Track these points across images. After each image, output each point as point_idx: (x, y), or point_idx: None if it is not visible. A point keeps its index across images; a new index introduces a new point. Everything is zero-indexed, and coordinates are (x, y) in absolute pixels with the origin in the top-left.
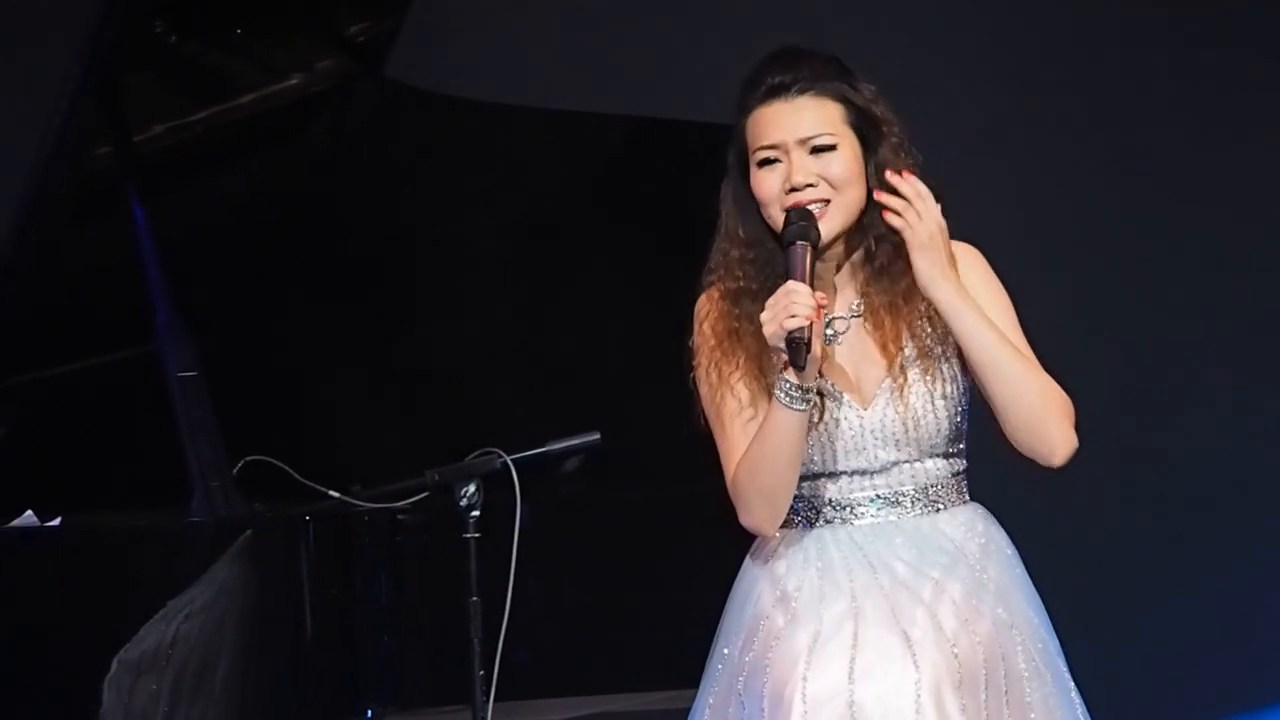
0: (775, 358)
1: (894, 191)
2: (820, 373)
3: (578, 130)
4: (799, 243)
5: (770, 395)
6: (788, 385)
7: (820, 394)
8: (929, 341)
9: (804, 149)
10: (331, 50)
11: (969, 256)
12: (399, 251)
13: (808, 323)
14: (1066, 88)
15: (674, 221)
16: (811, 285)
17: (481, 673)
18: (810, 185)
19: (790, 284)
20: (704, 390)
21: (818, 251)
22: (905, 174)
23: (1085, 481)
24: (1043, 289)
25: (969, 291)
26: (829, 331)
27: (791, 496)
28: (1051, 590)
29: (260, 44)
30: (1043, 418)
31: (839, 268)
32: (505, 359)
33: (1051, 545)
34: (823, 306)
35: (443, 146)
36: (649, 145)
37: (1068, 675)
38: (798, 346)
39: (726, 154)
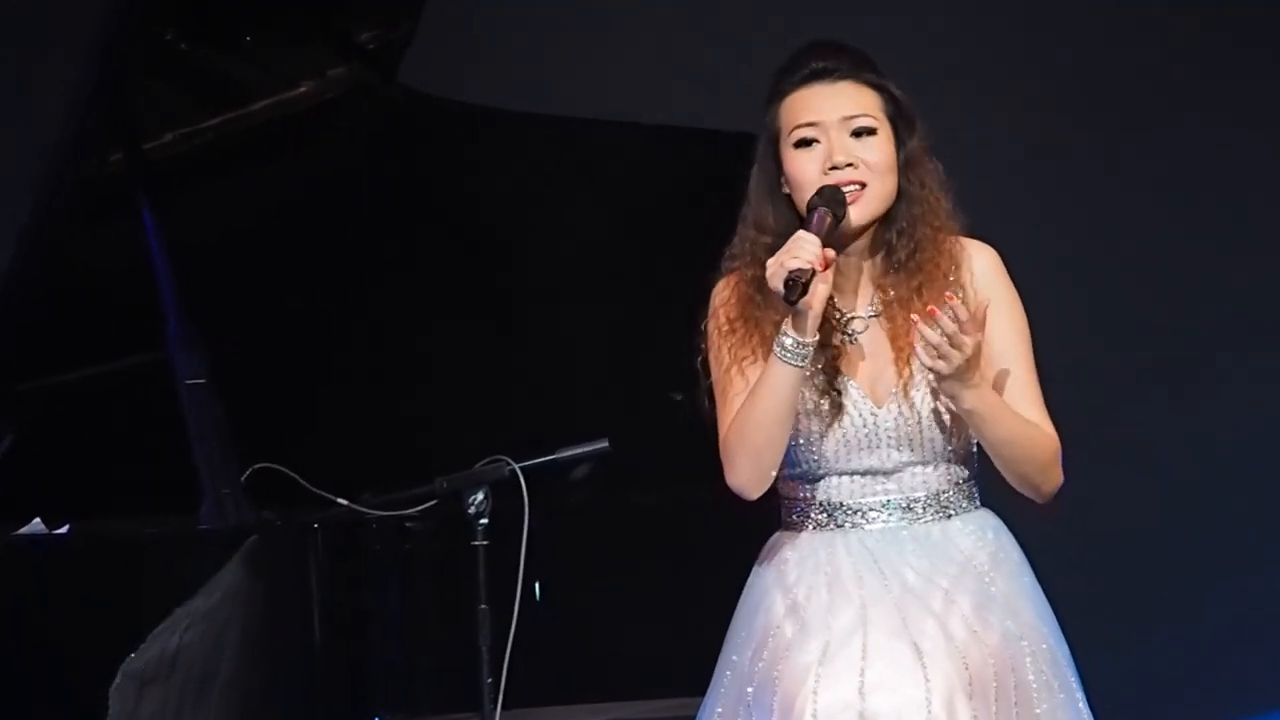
0: (775, 304)
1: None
2: (839, 369)
3: (591, 137)
4: (821, 208)
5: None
6: (786, 339)
7: (837, 391)
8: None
9: (845, 129)
10: (343, 57)
11: (986, 258)
12: (409, 259)
13: (809, 266)
14: (1074, 84)
15: (685, 230)
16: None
17: (490, 680)
18: (850, 165)
19: (800, 232)
20: (714, 371)
21: (838, 225)
22: (948, 299)
23: (1097, 488)
24: (1058, 294)
25: (984, 294)
26: (848, 330)
27: (779, 459)
28: (1062, 597)
29: (271, 51)
30: (1038, 472)
31: (861, 266)
32: (515, 366)
33: (1063, 551)
34: (830, 262)
35: (455, 154)
36: (663, 153)
37: (1075, 686)
38: (794, 285)
39: (737, 163)
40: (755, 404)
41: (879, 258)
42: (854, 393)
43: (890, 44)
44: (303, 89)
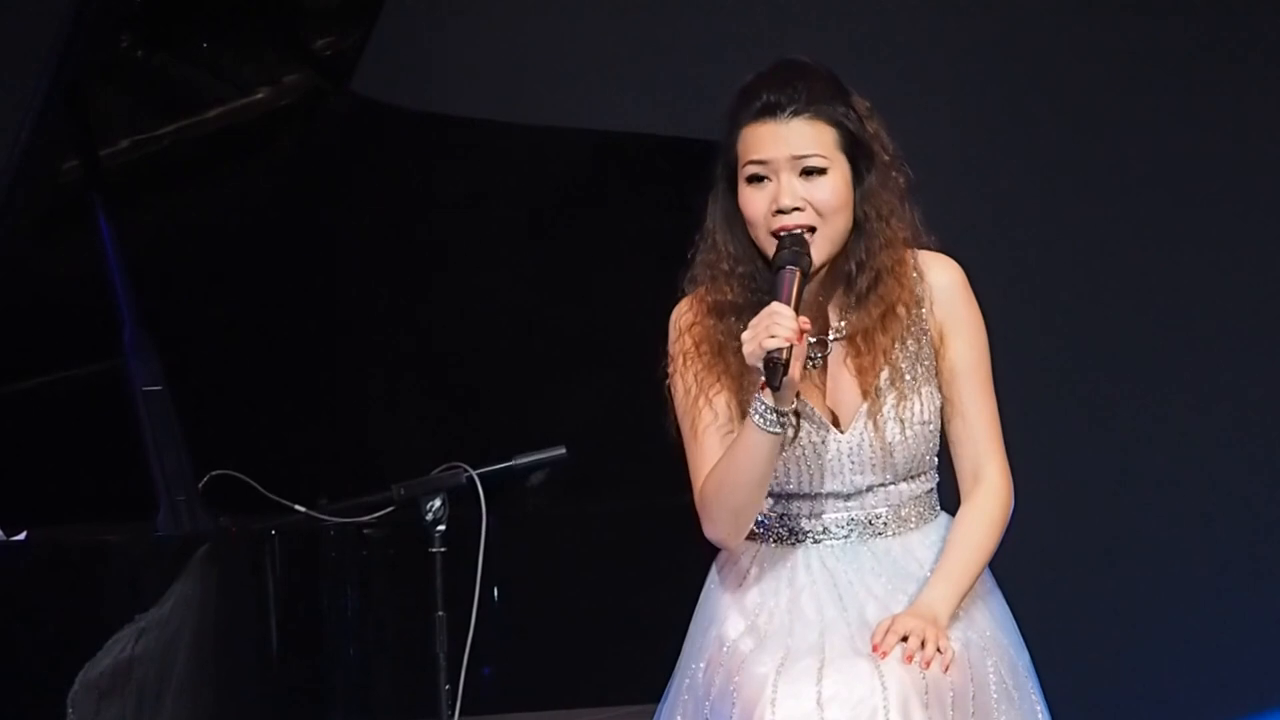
0: (753, 377)
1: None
2: (798, 396)
3: (547, 144)
4: (789, 267)
5: (745, 414)
6: (763, 407)
7: (798, 415)
8: (904, 367)
9: (794, 169)
10: (298, 64)
11: (947, 276)
12: (362, 265)
13: (787, 344)
14: (1052, 91)
15: (646, 236)
16: (797, 310)
17: (447, 687)
18: (797, 209)
19: (774, 305)
20: (679, 397)
21: (806, 278)
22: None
23: (1061, 490)
24: (1033, 296)
25: (944, 314)
26: (810, 356)
27: (756, 514)
28: (1023, 600)
29: (226, 58)
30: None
31: (822, 293)
32: (471, 372)
33: (1025, 554)
34: (805, 331)
35: (409, 160)
36: (619, 158)
37: (1037, 695)
38: (775, 367)
39: (700, 169)
40: (732, 466)
41: (839, 286)
42: (817, 418)
43: (861, 47)
44: (259, 95)
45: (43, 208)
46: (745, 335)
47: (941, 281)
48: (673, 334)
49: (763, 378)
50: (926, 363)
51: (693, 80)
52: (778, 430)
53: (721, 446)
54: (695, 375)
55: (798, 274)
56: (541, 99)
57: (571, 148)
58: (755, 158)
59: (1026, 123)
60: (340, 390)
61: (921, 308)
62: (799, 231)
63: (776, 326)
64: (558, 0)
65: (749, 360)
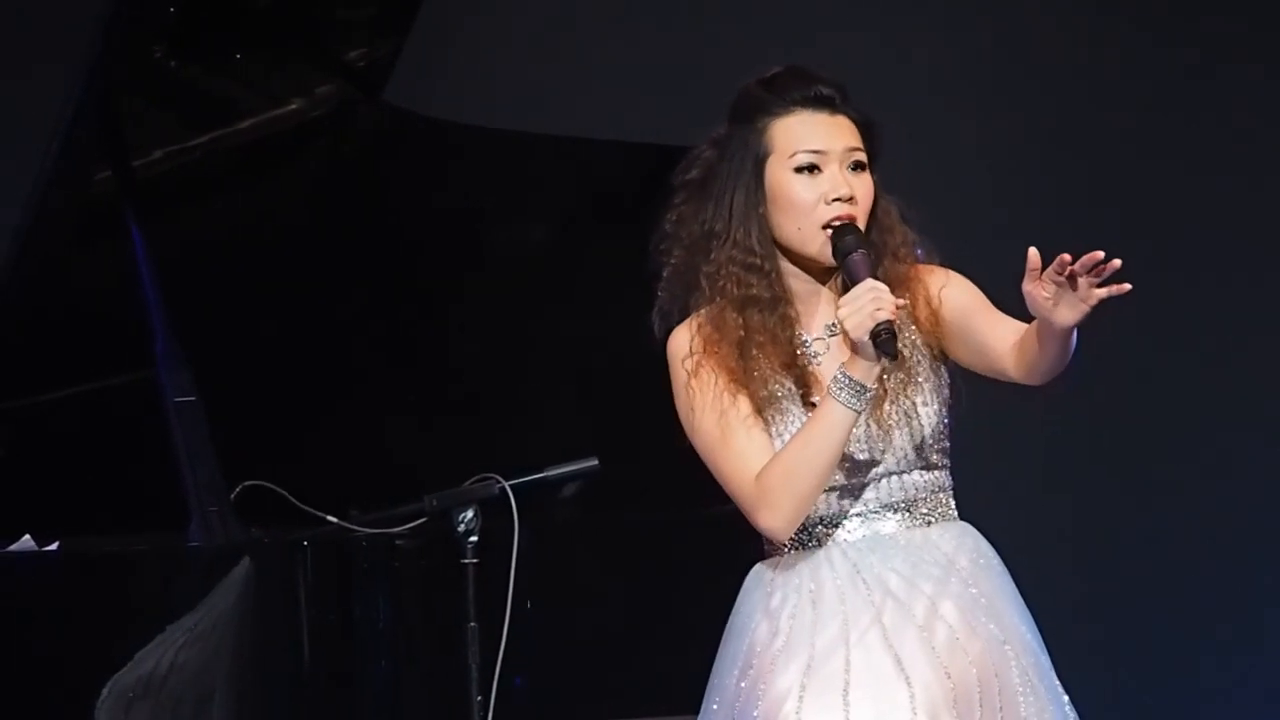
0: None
1: None
2: (810, 391)
3: (577, 155)
4: (859, 250)
5: (771, 411)
6: (846, 380)
7: (809, 408)
8: (906, 354)
9: (845, 162)
10: (330, 75)
11: (942, 273)
12: (397, 277)
13: (894, 316)
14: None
15: None
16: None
17: (479, 698)
18: (851, 200)
19: (870, 281)
20: (701, 400)
21: (877, 256)
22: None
23: (1073, 495)
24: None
25: (954, 288)
26: (810, 351)
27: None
28: (1040, 604)
29: (259, 69)
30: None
31: (819, 290)
32: (505, 383)
33: (1039, 560)
34: (900, 306)
35: (441, 171)
36: (650, 170)
37: (1060, 688)
38: (890, 338)
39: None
40: (807, 447)
41: (836, 280)
42: None
43: (862, 52)
44: (292, 106)
45: (76, 218)
46: (843, 313)
47: (935, 277)
48: (678, 355)
49: (869, 351)
50: (925, 352)
51: (723, 94)
52: (860, 406)
53: (758, 441)
54: (717, 376)
55: (869, 253)
56: (574, 110)
57: (603, 159)
58: (811, 147)
59: (1036, 130)
60: (373, 401)
61: (919, 304)
62: (847, 225)
63: (881, 299)
64: (589, 13)
65: (854, 335)
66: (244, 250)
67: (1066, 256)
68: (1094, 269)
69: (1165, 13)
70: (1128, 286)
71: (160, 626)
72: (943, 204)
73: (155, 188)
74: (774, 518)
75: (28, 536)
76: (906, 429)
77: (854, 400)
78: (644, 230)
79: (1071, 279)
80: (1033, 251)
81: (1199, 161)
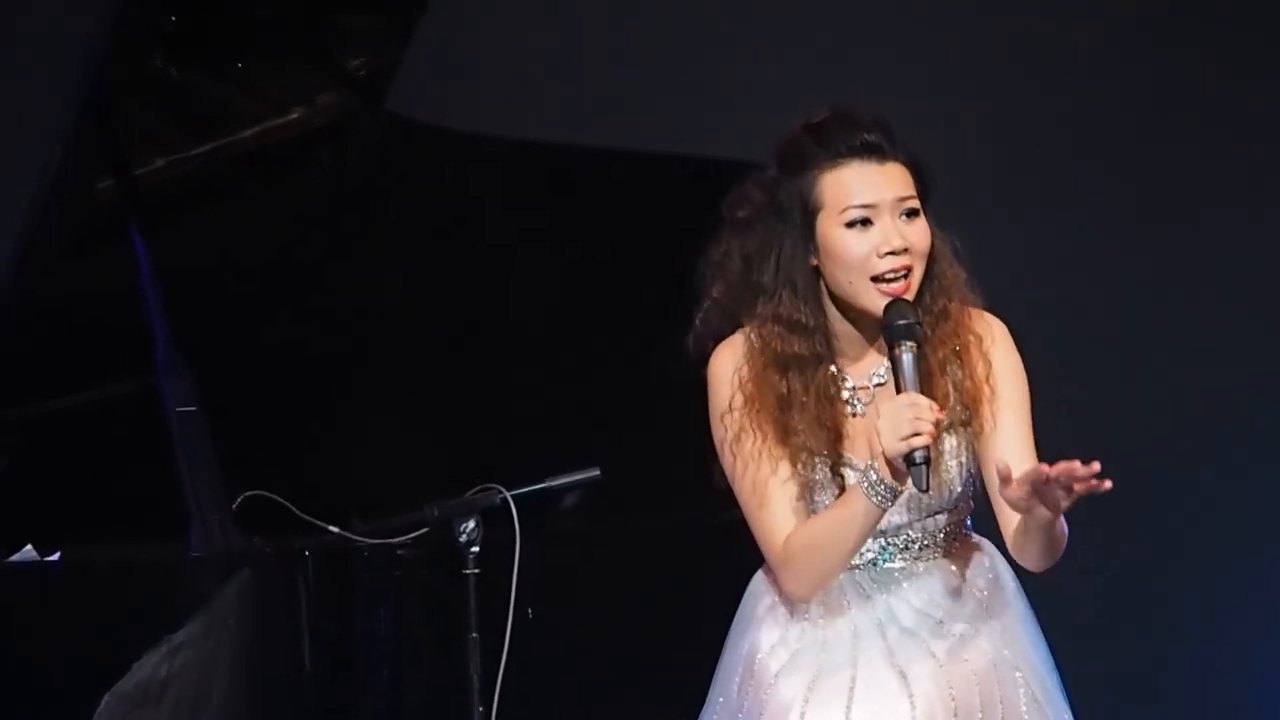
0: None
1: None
2: (843, 444)
3: (579, 164)
4: (907, 347)
5: (808, 475)
6: (878, 481)
7: (843, 468)
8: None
9: (896, 212)
10: (332, 84)
11: (996, 329)
12: (398, 285)
13: (931, 440)
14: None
15: (679, 257)
16: (921, 390)
17: (481, 709)
18: (905, 251)
19: (911, 396)
20: (740, 449)
21: (922, 351)
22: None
23: (1092, 513)
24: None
25: (993, 366)
26: (854, 400)
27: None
28: (1053, 621)
29: (260, 77)
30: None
31: (866, 336)
32: (506, 393)
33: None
34: (940, 418)
35: (442, 179)
36: (657, 178)
37: (1067, 711)
38: (922, 467)
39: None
40: (830, 531)
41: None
42: (858, 467)
43: (877, 56)
44: (293, 115)
45: (77, 226)
46: (882, 426)
47: (997, 337)
48: (723, 379)
49: (902, 468)
50: (963, 409)
51: (729, 102)
52: (888, 506)
53: (792, 503)
54: (758, 429)
55: (916, 351)
56: (578, 118)
57: (608, 167)
58: (862, 201)
59: (1042, 135)
60: (374, 410)
61: (969, 353)
62: (903, 297)
63: (920, 423)
64: (594, 20)
65: (889, 454)
66: (245, 258)
67: (1045, 469)
68: (1072, 479)
69: (1165, 12)
70: (1109, 484)
71: (161, 636)
72: (943, 204)
73: (157, 196)
74: (797, 585)
75: (29, 547)
76: (939, 487)
77: (883, 501)
78: (650, 238)
79: (1048, 484)
80: (1002, 464)
81: (1199, 161)
